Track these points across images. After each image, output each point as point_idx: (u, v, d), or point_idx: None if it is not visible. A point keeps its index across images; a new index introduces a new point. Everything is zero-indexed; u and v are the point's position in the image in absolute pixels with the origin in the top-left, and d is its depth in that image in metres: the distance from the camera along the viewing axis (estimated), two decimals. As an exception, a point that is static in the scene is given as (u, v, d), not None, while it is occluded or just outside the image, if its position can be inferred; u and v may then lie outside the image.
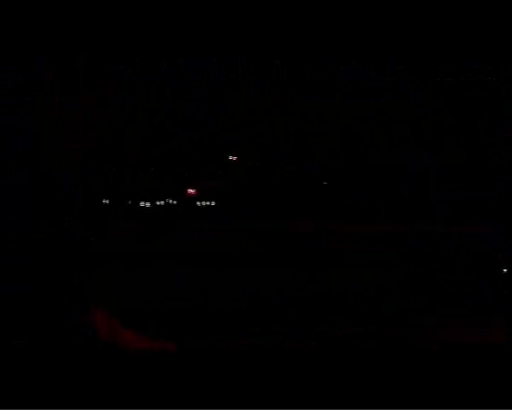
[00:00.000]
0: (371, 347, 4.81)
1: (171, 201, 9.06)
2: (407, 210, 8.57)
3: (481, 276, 7.22)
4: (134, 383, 4.63)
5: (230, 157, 9.32)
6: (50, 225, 6.50)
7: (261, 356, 4.68)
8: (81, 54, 7.93)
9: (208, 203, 9.08)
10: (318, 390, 4.43)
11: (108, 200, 8.06)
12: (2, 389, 4.45)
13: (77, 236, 6.58)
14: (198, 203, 9.09)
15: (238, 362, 4.70)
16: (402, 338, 5.06)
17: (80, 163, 7.63)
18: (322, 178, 9.18)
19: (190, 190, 9.17)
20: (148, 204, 8.73)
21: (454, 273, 7.52)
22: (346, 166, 9.14)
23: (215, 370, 4.67)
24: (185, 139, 9.21)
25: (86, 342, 5.03)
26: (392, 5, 8.40)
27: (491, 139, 8.70)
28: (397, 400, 4.34)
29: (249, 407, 4.23)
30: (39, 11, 7.16)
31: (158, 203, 8.96)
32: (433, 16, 8.41)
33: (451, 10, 8.37)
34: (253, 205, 8.84)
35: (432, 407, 4.33)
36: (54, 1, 7.36)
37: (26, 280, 5.84)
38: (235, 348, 4.73)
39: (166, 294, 6.41)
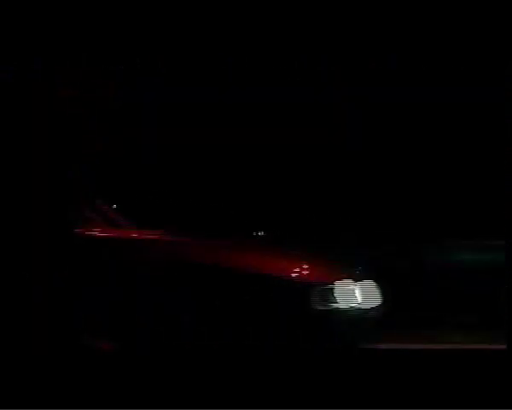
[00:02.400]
0: (369, 350, 4.82)
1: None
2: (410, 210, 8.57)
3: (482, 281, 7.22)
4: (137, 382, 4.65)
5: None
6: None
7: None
8: (81, 54, 7.93)
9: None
10: (318, 391, 4.45)
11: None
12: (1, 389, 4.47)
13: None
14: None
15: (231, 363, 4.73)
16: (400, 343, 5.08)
17: (80, 163, 7.64)
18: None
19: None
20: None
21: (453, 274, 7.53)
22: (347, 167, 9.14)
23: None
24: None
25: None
26: (393, 8, 8.41)
27: (491, 139, 8.70)
28: (396, 401, 4.35)
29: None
30: (39, 11, 7.17)
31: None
32: (433, 20, 8.42)
33: (452, 13, 8.38)
34: None
35: (431, 407, 4.35)
36: (54, 1, 7.37)
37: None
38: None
39: None
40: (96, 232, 5.23)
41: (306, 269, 4.60)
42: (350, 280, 4.63)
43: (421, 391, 4.43)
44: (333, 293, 4.50)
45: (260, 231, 8.41)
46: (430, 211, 8.54)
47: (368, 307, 4.64)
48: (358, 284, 4.65)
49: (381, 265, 6.04)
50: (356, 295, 4.62)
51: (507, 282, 4.82)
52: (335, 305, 4.51)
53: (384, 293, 4.82)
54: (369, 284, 4.78)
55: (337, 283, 4.54)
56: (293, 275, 4.52)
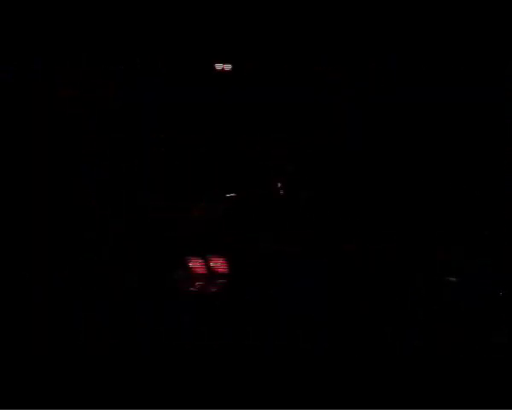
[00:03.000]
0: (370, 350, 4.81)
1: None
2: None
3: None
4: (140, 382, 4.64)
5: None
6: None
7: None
8: (81, 54, 7.93)
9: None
10: (316, 391, 4.44)
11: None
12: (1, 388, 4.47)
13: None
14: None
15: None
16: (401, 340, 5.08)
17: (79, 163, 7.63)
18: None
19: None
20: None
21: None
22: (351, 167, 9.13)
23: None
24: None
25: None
26: (393, 8, 8.41)
27: (492, 139, 8.69)
28: (395, 400, 4.34)
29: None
30: (40, 11, 7.16)
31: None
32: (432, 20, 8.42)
33: (452, 15, 8.38)
34: None
35: (431, 407, 4.34)
36: (54, 1, 7.37)
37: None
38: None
39: None
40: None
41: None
42: None
43: (422, 391, 4.42)
44: None
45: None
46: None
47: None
48: None
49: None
50: None
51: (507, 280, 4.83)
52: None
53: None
54: None
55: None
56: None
